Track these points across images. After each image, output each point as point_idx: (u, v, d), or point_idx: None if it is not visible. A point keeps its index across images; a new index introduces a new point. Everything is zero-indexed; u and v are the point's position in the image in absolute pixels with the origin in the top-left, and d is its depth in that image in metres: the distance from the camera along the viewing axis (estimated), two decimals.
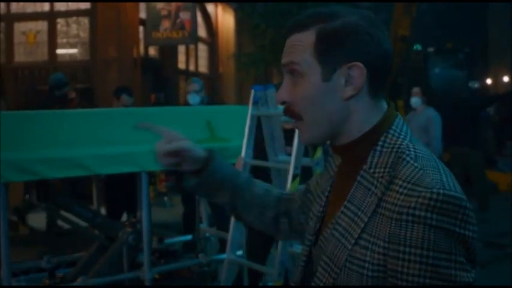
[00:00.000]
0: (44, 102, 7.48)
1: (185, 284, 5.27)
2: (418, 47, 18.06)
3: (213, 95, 14.29)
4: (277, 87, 5.18)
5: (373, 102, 1.35)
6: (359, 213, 1.28)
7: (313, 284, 1.36)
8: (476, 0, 33.50)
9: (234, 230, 4.41)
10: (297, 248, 4.34)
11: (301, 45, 1.33)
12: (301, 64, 1.33)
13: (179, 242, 5.81)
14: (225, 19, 14.96)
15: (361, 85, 1.31)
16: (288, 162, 4.12)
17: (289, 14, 13.66)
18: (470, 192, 9.06)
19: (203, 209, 5.83)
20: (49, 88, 7.77)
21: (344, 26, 1.31)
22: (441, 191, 1.16)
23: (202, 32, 14.01)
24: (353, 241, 1.26)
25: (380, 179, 1.27)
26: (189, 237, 5.67)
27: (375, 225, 1.23)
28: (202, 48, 14.66)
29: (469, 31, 34.42)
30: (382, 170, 1.28)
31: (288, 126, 4.47)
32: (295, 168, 4.06)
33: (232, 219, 4.40)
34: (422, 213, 1.15)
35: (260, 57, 14.30)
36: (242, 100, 14.85)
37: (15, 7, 11.36)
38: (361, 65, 1.30)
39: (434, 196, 1.16)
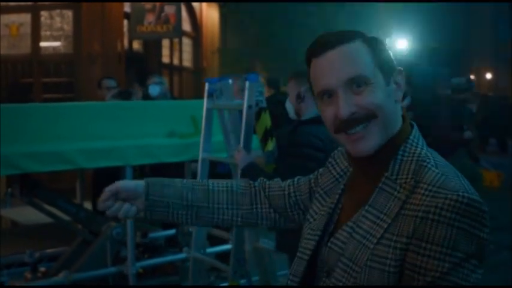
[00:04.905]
0: None
1: (169, 278, 5.28)
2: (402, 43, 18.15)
3: (196, 89, 14.27)
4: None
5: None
6: (382, 216, 1.34)
7: (331, 284, 1.39)
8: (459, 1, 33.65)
9: (198, 229, 4.36)
10: (264, 243, 4.27)
11: (359, 56, 1.37)
12: (369, 74, 1.36)
13: (163, 237, 5.81)
14: (210, 14, 14.91)
15: (404, 90, 1.43)
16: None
17: (274, 11, 13.67)
18: None
19: None
20: None
21: (376, 37, 1.42)
22: (466, 195, 1.24)
23: (186, 26, 13.95)
24: (375, 241, 1.31)
25: (403, 185, 1.33)
26: (172, 231, 5.66)
27: (398, 225, 1.29)
28: (187, 43, 14.61)
29: (452, 29, 34.57)
30: (405, 176, 1.35)
31: None
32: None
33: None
34: (448, 214, 1.22)
35: (244, 52, 14.28)
36: None
37: None
38: (402, 70, 1.43)
39: (460, 199, 1.23)
